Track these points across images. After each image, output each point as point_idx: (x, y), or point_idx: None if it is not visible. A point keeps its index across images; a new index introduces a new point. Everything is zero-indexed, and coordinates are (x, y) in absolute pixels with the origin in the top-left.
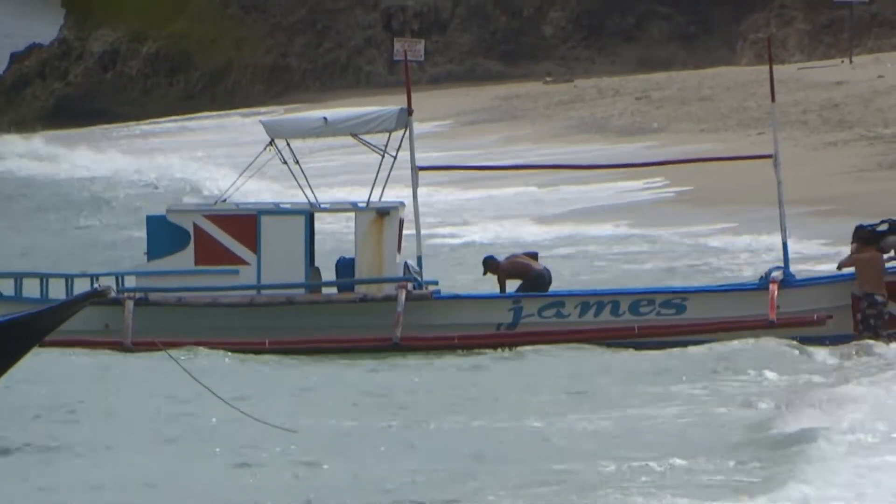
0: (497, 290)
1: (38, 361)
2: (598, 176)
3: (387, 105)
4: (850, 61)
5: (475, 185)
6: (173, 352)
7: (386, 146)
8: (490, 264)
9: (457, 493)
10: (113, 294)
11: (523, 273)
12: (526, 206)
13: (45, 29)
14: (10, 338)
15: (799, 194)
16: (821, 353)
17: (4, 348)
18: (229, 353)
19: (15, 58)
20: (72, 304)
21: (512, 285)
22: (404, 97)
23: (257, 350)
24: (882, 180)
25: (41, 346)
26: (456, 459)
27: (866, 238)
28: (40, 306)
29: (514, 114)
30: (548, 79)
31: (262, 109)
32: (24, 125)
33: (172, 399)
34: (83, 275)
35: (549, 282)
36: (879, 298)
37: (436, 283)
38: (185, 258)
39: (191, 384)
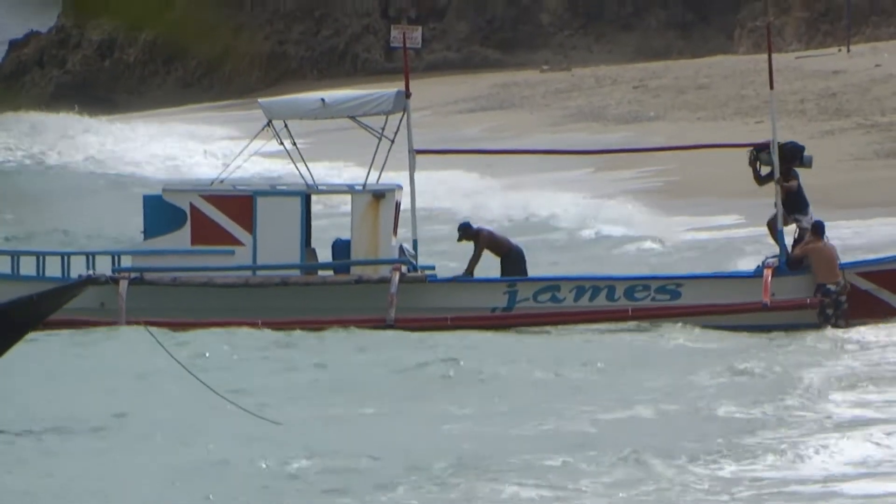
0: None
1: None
2: (593, 165)
3: None
4: (848, 50)
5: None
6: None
7: (383, 129)
8: (468, 231)
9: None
10: (105, 279)
11: (502, 248)
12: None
13: (43, 18)
14: (8, 320)
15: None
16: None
17: (2, 331)
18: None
19: (13, 45)
20: (67, 290)
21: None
22: (402, 84)
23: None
24: (878, 168)
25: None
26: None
27: (817, 227)
28: (32, 292)
29: (512, 102)
30: (545, 67)
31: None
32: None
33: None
34: (80, 252)
35: (524, 257)
36: (832, 288)
37: (432, 268)
38: (181, 238)
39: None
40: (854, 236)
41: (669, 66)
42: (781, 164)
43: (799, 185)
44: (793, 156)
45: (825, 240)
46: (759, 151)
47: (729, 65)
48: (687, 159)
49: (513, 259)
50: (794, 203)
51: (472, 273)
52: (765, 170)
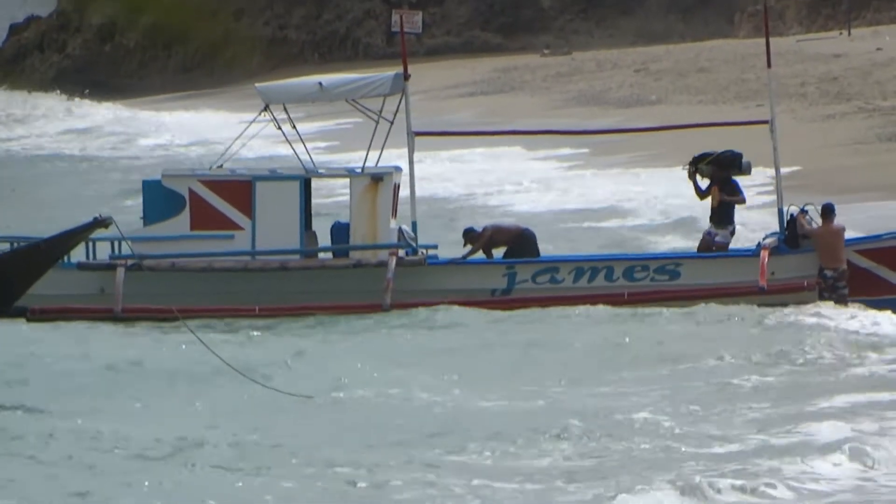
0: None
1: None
2: (594, 146)
3: None
4: (849, 34)
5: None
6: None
7: (380, 111)
8: (470, 236)
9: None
10: (114, 224)
11: (510, 234)
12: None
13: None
14: (24, 263)
15: (799, 164)
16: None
17: (21, 272)
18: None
19: (14, 29)
20: (78, 232)
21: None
22: (402, 67)
23: (248, 315)
24: (880, 152)
25: (35, 319)
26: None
27: (827, 211)
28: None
29: (513, 86)
30: (545, 51)
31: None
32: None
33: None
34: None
35: (535, 239)
36: (828, 273)
37: (435, 246)
38: (180, 223)
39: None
40: (856, 220)
41: (670, 49)
42: (720, 173)
43: (731, 203)
44: (731, 164)
45: (834, 223)
46: (697, 163)
47: (729, 48)
48: (681, 142)
49: (523, 243)
50: (719, 215)
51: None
52: (704, 182)
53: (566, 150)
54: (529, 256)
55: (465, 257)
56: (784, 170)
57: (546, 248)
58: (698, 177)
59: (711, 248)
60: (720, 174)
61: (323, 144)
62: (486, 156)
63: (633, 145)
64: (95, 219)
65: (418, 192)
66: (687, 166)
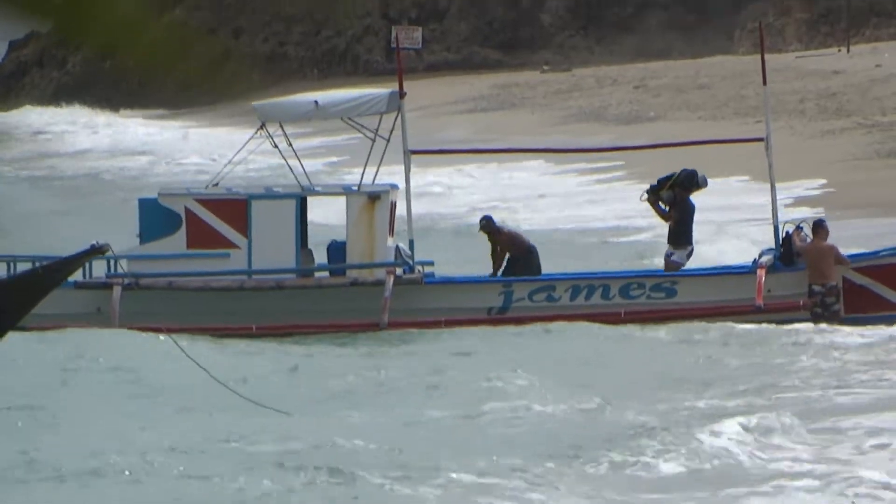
0: (489, 266)
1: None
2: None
3: None
4: (848, 50)
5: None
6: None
7: (377, 129)
8: (490, 226)
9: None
10: (111, 252)
11: (520, 247)
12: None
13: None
14: (19, 290)
15: (796, 181)
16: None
17: (16, 300)
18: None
19: (13, 46)
20: (74, 259)
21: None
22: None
23: (245, 335)
24: (879, 169)
25: (30, 329)
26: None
27: (816, 227)
28: (40, 264)
29: (513, 102)
30: (545, 68)
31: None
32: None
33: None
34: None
35: (538, 257)
36: (817, 289)
37: (431, 263)
38: (176, 242)
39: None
40: (855, 237)
41: (670, 66)
42: (681, 193)
43: (688, 220)
44: (690, 182)
45: (825, 239)
46: (657, 192)
47: (729, 65)
48: (680, 158)
49: (530, 258)
50: (676, 235)
51: (496, 273)
52: (673, 193)
53: (581, 165)
54: (534, 273)
55: (495, 271)
56: (810, 182)
57: (563, 264)
58: (660, 202)
59: (670, 267)
60: (684, 195)
61: (335, 159)
62: (500, 171)
63: (633, 161)
64: (92, 246)
65: (439, 209)
66: (646, 196)
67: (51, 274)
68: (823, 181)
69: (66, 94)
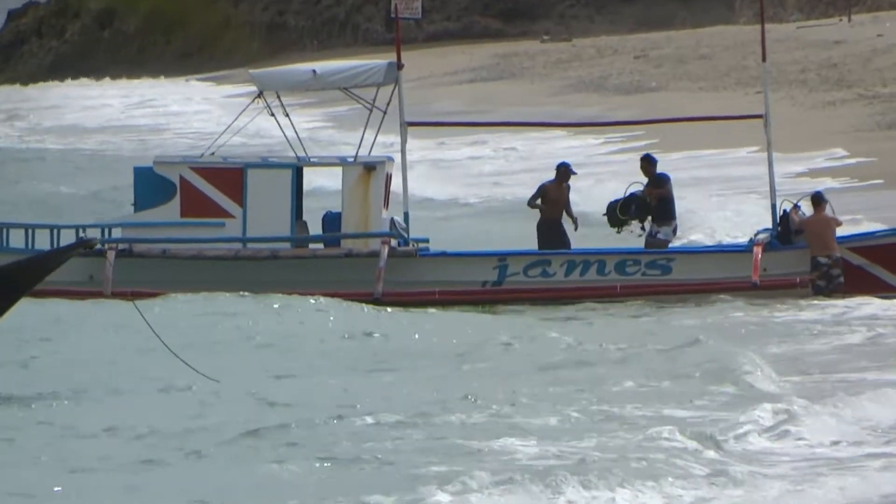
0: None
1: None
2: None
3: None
4: (849, 20)
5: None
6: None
7: (374, 100)
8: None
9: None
10: (99, 245)
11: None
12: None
13: None
14: (7, 280)
15: (797, 153)
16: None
17: (3, 290)
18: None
19: (12, 15)
20: (58, 254)
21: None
22: (403, 54)
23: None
24: (880, 140)
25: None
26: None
27: (816, 200)
28: (26, 256)
29: (512, 72)
30: (545, 37)
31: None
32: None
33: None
34: (69, 225)
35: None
36: (822, 260)
37: (426, 240)
38: (171, 210)
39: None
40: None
41: (671, 36)
42: (653, 173)
43: (670, 197)
44: (651, 166)
45: (826, 211)
46: (621, 213)
47: (730, 35)
48: (683, 130)
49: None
50: (658, 212)
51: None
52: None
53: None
54: (561, 246)
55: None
56: (857, 160)
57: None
58: (631, 222)
59: (654, 245)
60: (656, 176)
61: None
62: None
63: (652, 133)
64: (81, 239)
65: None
66: (613, 215)
67: (37, 266)
68: (845, 152)
69: (65, 63)
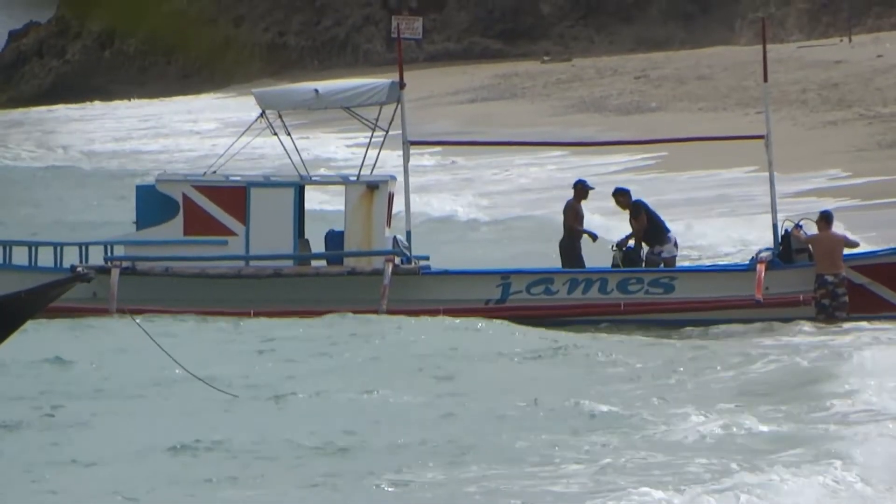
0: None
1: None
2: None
3: None
4: (850, 40)
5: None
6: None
7: (377, 119)
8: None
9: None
10: (93, 277)
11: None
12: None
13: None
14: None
15: (798, 173)
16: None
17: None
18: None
19: (13, 35)
20: (57, 286)
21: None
22: (404, 74)
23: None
24: (881, 160)
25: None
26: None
27: (823, 218)
28: (20, 289)
29: (513, 92)
30: (545, 58)
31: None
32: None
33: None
34: (72, 243)
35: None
36: (829, 278)
37: (427, 258)
38: (173, 228)
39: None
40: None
41: (671, 56)
42: (629, 204)
43: (651, 216)
44: (626, 197)
45: (832, 230)
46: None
47: (730, 56)
48: (682, 151)
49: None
50: (651, 235)
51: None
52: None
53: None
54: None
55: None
56: (864, 180)
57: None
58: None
59: (660, 263)
60: (631, 205)
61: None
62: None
63: (652, 152)
64: (76, 273)
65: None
66: (616, 254)
67: (33, 299)
68: (847, 172)
69: (66, 83)
